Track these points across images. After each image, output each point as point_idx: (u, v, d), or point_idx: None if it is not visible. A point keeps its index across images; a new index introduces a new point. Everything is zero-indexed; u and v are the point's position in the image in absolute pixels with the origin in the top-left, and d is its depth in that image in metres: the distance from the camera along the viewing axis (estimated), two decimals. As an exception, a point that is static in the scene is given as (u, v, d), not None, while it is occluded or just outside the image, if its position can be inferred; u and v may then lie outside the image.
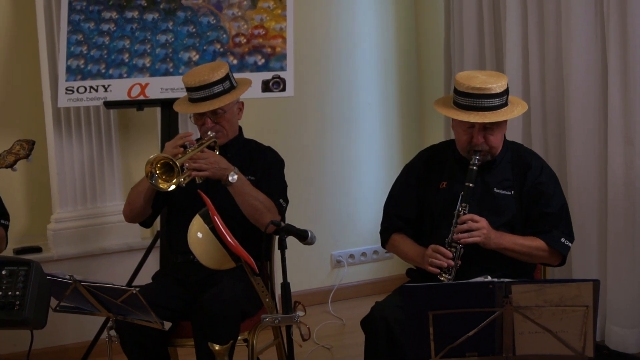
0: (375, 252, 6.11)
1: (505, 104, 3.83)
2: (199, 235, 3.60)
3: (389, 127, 6.29)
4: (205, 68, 4.30)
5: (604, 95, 4.88)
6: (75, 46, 5.08)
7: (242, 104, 4.35)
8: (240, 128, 4.35)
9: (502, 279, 3.17)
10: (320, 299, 6.01)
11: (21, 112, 5.45)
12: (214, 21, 5.07)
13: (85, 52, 5.07)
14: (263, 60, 4.99)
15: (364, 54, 6.19)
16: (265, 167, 4.24)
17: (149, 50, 5.05)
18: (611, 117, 4.80)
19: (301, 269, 5.35)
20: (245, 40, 5.03)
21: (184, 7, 5.09)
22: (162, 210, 4.41)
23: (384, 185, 4.16)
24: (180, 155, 3.99)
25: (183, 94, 4.31)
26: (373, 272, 6.22)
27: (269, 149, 4.35)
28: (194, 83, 4.17)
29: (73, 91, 5.04)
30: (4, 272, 3.27)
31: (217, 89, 4.17)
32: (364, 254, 6.20)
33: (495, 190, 3.90)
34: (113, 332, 3.79)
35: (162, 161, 3.95)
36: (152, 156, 3.97)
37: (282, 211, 4.16)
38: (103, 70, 5.05)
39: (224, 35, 5.04)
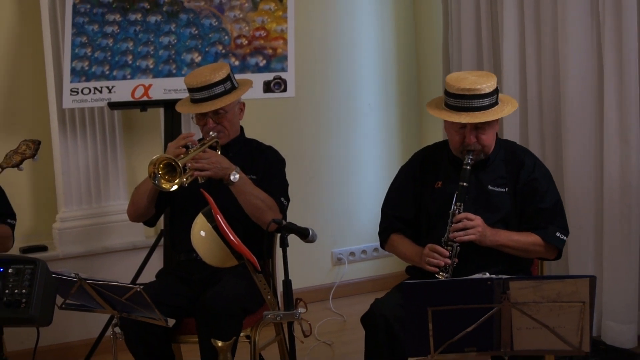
0: (376, 249, 6.11)
1: (495, 103, 3.85)
2: (202, 233, 3.61)
3: (389, 127, 6.30)
4: (207, 69, 4.30)
5: (600, 95, 4.89)
6: (79, 48, 5.08)
7: (243, 104, 4.35)
8: (241, 128, 4.35)
9: (500, 276, 3.17)
10: (321, 296, 6.02)
11: (27, 113, 5.45)
12: (216, 23, 5.07)
13: (89, 54, 5.07)
14: (264, 62, 4.99)
15: (363, 55, 6.20)
16: (266, 166, 4.24)
17: (152, 52, 5.05)
18: (607, 117, 4.81)
19: (302, 266, 5.35)
20: (246, 42, 5.02)
21: (187, 10, 5.09)
22: (166, 210, 4.41)
23: (383, 184, 4.16)
24: (182, 156, 4.00)
25: (186, 94, 4.30)
26: (373, 269, 6.22)
27: (270, 148, 4.35)
28: (196, 84, 4.17)
29: (78, 92, 5.03)
30: (10, 271, 3.27)
31: (219, 89, 4.17)
32: (364, 251, 6.21)
33: (490, 187, 3.91)
34: (118, 329, 3.81)
35: (164, 162, 3.96)
36: (154, 157, 3.97)
37: (283, 210, 4.16)
38: (107, 72, 5.04)
39: (226, 37, 5.04)
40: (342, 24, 6.13)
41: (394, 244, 4.04)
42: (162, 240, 4.85)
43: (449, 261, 3.73)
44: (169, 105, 4.92)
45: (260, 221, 4.01)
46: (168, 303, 3.96)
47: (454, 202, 3.79)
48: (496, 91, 3.84)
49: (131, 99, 5.01)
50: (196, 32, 5.06)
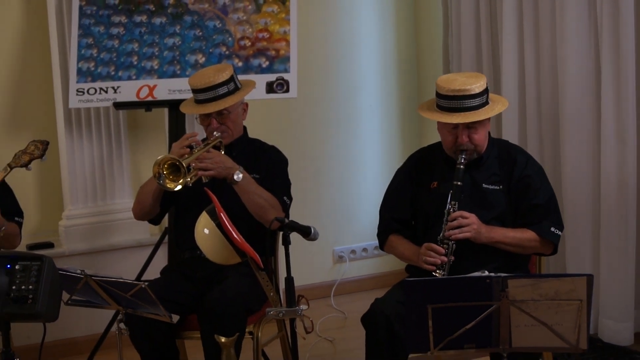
0: (376, 247, 6.02)
1: (486, 103, 3.87)
2: (206, 231, 3.61)
3: (389, 127, 6.30)
4: (211, 70, 4.31)
5: (597, 96, 4.89)
6: (85, 49, 5.08)
7: (247, 104, 4.35)
8: (244, 128, 4.35)
9: (499, 274, 3.18)
10: (323, 293, 6.02)
11: (34, 113, 5.45)
12: (220, 25, 5.07)
13: (95, 55, 5.07)
14: (267, 63, 4.99)
15: (365, 57, 6.20)
16: (269, 165, 4.24)
17: (157, 53, 5.05)
18: (604, 118, 4.82)
19: (304, 264, 5.35)
20: (250, 43, 5.03)
21: (191, 12, 5.09)
22: (170, 208, 4.42)
23: (384, 184, 4.17)
24: (186, 156, 4.00)
25: (190, 95, 4.31)
26: (374, 267, 6.23)
27: (273, 148, 4.35)
28: (200, 85, 4.18)
29: (84, 92, 5.04)
30: (17, 267, 3.28)
31: (222, 90, 4.18)
32: (365, 249, 6.22)
33: (484, 185, 3.92)
34: (123, 325, 3.80)
35: (169, 162, 3.96)
36: (159, 157, 3.98)
37: (286, 208, 4.16)
38: (112, 73, 5.05)
39: (230, 39, 5.04)
40: (344, 26, 6.14)
41: (393, 245, 4.05)
42: (167, 238, 4.86)
43: (445, 259, 3.74)
44: (173, 106, 4.91)
45: (263, 220, 4.01)
46: (172, 299, 3.96)
47: (448, 201, 3.80)
48: (486, 91, 3.87)
49: (136, 99, 5.01)
50: (200, 33, 5.06)
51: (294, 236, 3.57)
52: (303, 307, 3.50)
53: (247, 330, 4.00)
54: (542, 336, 3.18)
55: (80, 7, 5.11)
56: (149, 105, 5.07)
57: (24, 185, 4.73)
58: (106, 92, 5.03)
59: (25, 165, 4.21)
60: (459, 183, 3.81)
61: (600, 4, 4.76)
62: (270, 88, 4.96)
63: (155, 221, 4.39)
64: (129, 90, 5.01)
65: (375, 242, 4.17)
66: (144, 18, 5.11)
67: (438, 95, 3.87)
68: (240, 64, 4.97)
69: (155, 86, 5.01)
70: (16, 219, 4.25)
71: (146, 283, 3.64)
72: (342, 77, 6.16)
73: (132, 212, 4.37)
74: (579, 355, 4.70)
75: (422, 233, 3.99)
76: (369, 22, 6.20)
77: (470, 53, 5.65)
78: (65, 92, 5.20)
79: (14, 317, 3.28)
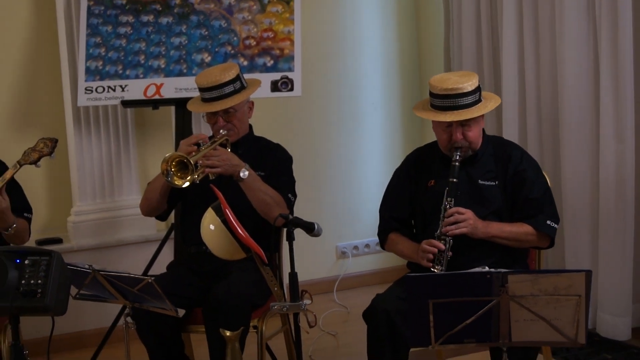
0: (378, 243, 6.10)
1: (478, 100, 3.87)
2: (212, 227, 3.62)
3: (392, 125, 6.31)
4: (217, 69, 4.30)
5: (596, 95, 4.90)
6: (93, 48, 5.09)
7: (252, 103, 4.35)
8: (250, 126, 4.35)
9: (499, 269, 3.18)
10: (326, 288, 6.03)
11: (43, 112, 5.47)
12: (225, 25, 5.07)
13: (103, 54, 5.08)
14: (272, 62, 5.00)
15: (368, 56, 6.21)
16: (274, 163, 4.25)
17: (163, 52, 5.06)
18: (603, 117, 4.82)
19: (308, 259, 5.36)
20: (255, 43, 5.03)
21: (197, 12, 5.10)
22: (177, 205, 4.42)
23: (386, 181, 4.17)
24: (194, 153, 4.01)
25: (196, 93, 4.31)
26: (376, 262, 6.24)
27: (278, 146, 4.36)
28: (206, 83, 4.18)
29: (92, 91, 5.05)
30: (26, 262, 3.27)
31: (228, 89, 4.18)
32: (367, 245, 6.23)
33: (480, 182, 3.93)
34: (130, 319, 3.80)
35: (177, 159, 3.97)
36: (167, 154, 3.98)
37: (290, 205, 4.16)
38: (120, 71, 5.06)
39: (235, 38, 5.05)
40: (347, 26, 6.15)
41: (393, 244, 4.07)
42: (173, 233, 4.86)
43: (441, 246, 3.75)
44: (180, 104, 4.93)
45: (268, 216, 4.01)
46: (178, 294, 3.97)
47: (444, 197, 3.82)
48: (478, 89, 3.88)
49: (143, 98, 5.02)
50: (206, 33, 5.07)
51: (298, 232, 3.59)
52: (307, 301, 3.51)
53: (251, 324, 4.00)
54: (541, 331, 3.18)
55: (89, 7, 5.13)
56: (156, 103, 5.08)
57: (34, 182, 4.74)
58: (114, 90, 5.04)
59: (35, 162, 4.19)
60: (454, 180, 3.82)
61: (599, 5, 4.76)
62: (275, 87, 4.97)
63: (162, 217, 4.39)
64: (136, 88, 5.02)
65: (377, 238, 4.18)
66: (150, 18, 5.12)
67: (431, 94, 3.89)
68: (245, 63, 4.97)
69: (162, 85, 5.02)
70: (25, 214, 4.25)
71: (153, 278, 3.64)
72: (345, 76, 6.17)
73: (139, 208, 4.37)
74: (577, 349, 4.72)
75: (420, 231, 4.00)
76: (371, 22, 6.21)
77: (471, 52, 5.65)
78: (74, 90, 5.21)
79: (23, 311, 3.27)
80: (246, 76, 4.35)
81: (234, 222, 3.54)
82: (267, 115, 5.30)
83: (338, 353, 5.05)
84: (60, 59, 5.35)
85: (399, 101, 6.31)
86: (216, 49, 5.04)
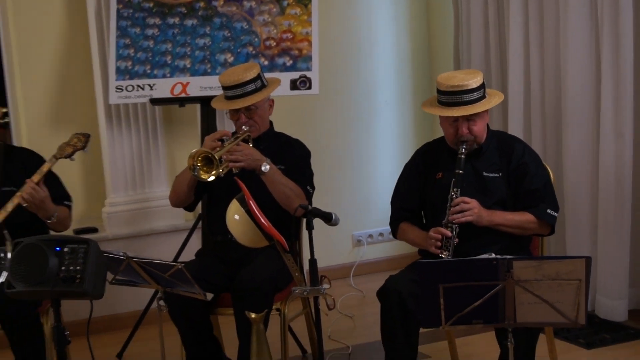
0: (391, 232, 6.11)
1: (483, 97, 3.89)
2: (236, 217, 3.64)
3: (404, 122, 6.30)
4: (239, 69, 4.32)
5: (597, 92, 4.89)
6: (123, 49, 5.10)
7: (273, 100, 4.37)
8: (271, 122, 4.36)
9: (504, 256, 3.20)
10: (343, 274, 6.05)
11: (77, 109, 5.49)
12: (247, 26, 5.07)
13: (132, 54, 5.09)
14: (291, 62, 5.01)
15: (381, 56, 6.20)
16: (294, 157, 4.26)
17: (189, 53, 5.07)
18: (603, 113, 4.81)
19: (326, 247, 5.35)
20: (275, 44, 5.04)
21: (220, 14, 5.10)
22: (204, 196, 4.44)
23: (398, 174, 4.18)
24: (218, 149, 4.01)
25: (220, 92, 4.32)
26: (389, 250, 6.24)
27: (297, 141, 4.37)
28: (229, 82, 4.19)
29: (122, 90, 5.07)
30: (66, 250, 3.26)
31: (250, 87, 4.18)
32: (381, 234, 6.24)
33: (485, 174, 3.94)
34: (162, 303, 3.83)
35: (202, 154, 3.98)
36: (193, 150, 4.00)
37: (309, 196, 4.18)
38: (148, 71, 5.07)
39: (256, 39, 5.05)
40: (362, 27, 6.14)
41: (404, 232, 4.09)
42: (200, 223, 4.85)
43: (448, 233, 3.77)
44: (204, 102, 4.93)
45: (289, 207, 4.04)
46: (206, 279, 3.98)
47: (451, 188, 3.83)
48: (482, 86, 3.89)
49: (170, 96, 5.04)
50: (229, 34, 5.07)
51: (317, 222, 3.60)
52: (325, 286, 3.53)
53: (274, 307, 4.04)
54: (544, 313, 3.20)
55: (118, 10, 5.14)
56: (182, 101, 5.09)
57: (70, 176, 4.76)
58: (143, 89, 5.07)
59: (69, 156, 4.22)
60: (460, 172, 3.84)
61: (601, 7, 4.76)
62: (294, 85, 4.98)
63: (190, 208, 4.41)
64: (163, 87, 5.04)
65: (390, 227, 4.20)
66: (176, 20, 5.13)
67: (439, 91, 3.91)
68: (266, 62, 4.98)
69: (188, 83, 5.03)
70: (65, 202, 4.27)
71: (182, 264, 3.66)
72: (360, 75, 6.16)
73: (168, 199, 4.40)
74: (577, 330, 4.73)
75: (429, 220, 4.03)
76: (384, 23, 6.20)
77: (479, 52, 5.64)
78: (105, 89, 5.24)
79: (63, 295, 3.28)
80: (267, 75, 4.36)
81: (257, 213, 3.58)
82: (287, 112, 5.29)
83: (354, 334, 5.06)
84: (92, 60, 5.37)
85: (410, 99, 6.30)
86: (238, 50, 5.05)
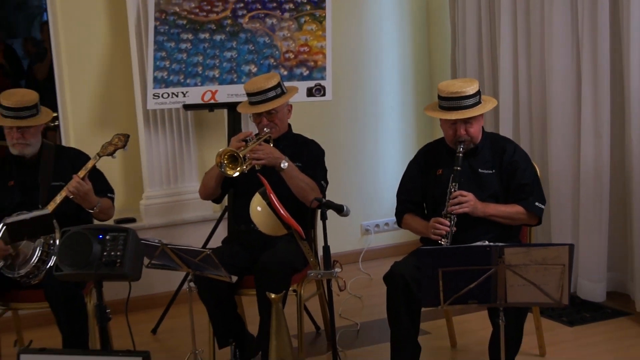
0: (396, 222, 6.08)
1: (479, 102, 3.88)
2: (259, 209, 3.64)
3: (406, 124, 6.27)
4: (262, 78, 4.31)
5: (578, 98, 4.87)
6: (160, 61, 5.10)
7: (291, 106, 4.36)
8: (289, 125, 4.35)
9: (497, 244, 3.20)
10: (353, 259, 6.01)
11: (118, 113, 5.49)
12: (269, 41, 5.07)
13: (167, 66, 5.09)
14: (307, 72, 4.99)
15: (387, 66, 6.18)
16: (309, 156, 4.25)
17: (217, 64, 5.06)
18: (584, 116, 4.79)
19: (338, 235, 5.27)
20: (293, 56, 5.03)
21: (245, 30, 5.10)
22: (229, 190, 4.44)
23: (402, 170, 4.16)
24: (242, 148, 4.02)
25: (245, 98, 4.31)
26: (394, 238, 6.20)
27: (312, 141, 4.36)
28: (253, 90, 4.19)
29: (159, 97, 5.07)
30: (107, 237, 3.28)
31: (271, 94, 4.18)
32: (387, 224, 6.20)
33: (480, 170, 3.94)
34: (192, 284, 3.84)
35: (228, 153, 3.99)
36: (221, 149, 4.01)
37: (323, 190, 4.17)
38: (182, 80, 5.06)
39: (277, 52, 5.04)
40: (370, 41, 6.11)
41: (407, 222, 4.07)
42: (226, 214, 4.87)
43: (448, 223, 3.76)
44: (231, 107, 4.93)
45: (305, 200, 4.02)
46: (232, 263, 3.97)
47: (450, 183, 3.83)
48: (478, 92, 3.89)
49: (201, 102, 5.03)
50: (253, 48, 5.07)
51: (330, 213, 3.60)
52: (337, 270, 3.52)
53: (291, 288, 4.02)
54: (531, 294, 3.19)
55: (155, 27, 5.14)
56: (211, 106, 5.09)
57: (111, 172, 4.75)
58: (177, 96, 5.06)
59: (111, 154, 4.19)
60: (458, 168, 3.84)
61: (582, 23, 4.73)
62: (310, 92, 4.97)
63: (217, 201, 4.41)
64: (195, 94, 5.03)
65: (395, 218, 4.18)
66: (206, 35, 5.12)
67: (440, 97, 3.90)
68: (285, 72, 4.97)
69: (216, 91, 5.02)
70: (109, 195, 4.26)
71: (211, 250, 3.67)
72: (368, 83, 6.14)
73: (198, 193, 4.39)
74: (561, 309, 4.72)
75: (430, 211, 4.01)
76: (390, 38, 6.17)
77: (473, 63, 5.63)
78: (144, 96, 5.24)
79: (105, 277, 3.30)
80: (286, 84, 4.36)
81: (277, 205, 3.57)
82: (304, 116, 5.27)
83: (362, 312, 5.05)
84: (132, 70, 5.38)
85: (413, 104, 6.27)
86: (261, 61, 5.04)
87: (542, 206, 3.90)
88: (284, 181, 4.06)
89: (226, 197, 4.51)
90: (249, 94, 4.22)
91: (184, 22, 5.15)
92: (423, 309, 3.79)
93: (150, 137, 5.38)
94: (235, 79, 5.02)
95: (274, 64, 5.02)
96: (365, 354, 4.41)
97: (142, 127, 5.37)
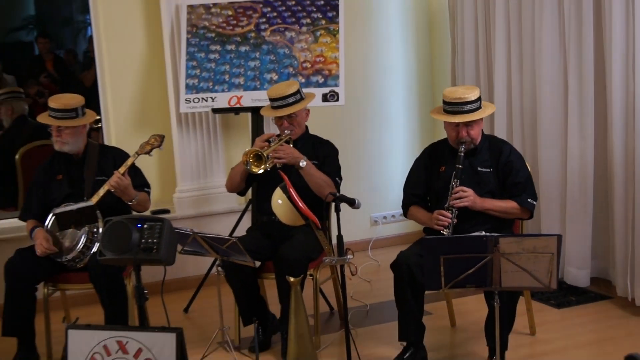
0: (402, 214, 6.05)
1: (479, 107, 3.88)
2: (279, 202, 3.66)
3: (411, 126, 6.24)
4: (283, 85, 4.32)
5: (565, 103, 4.84)
6: (191, 70, 5.10)
7: (308, 110, 4.35)
8: (306, 127, 4.35)
9: (492, 234, 3.20)
10: (363, 247, 5.99)
11: (154, 116, 5.48)
12: (288, 52, 5.07)
13: (198, 74, 5.09)
14: (322, 79, 4.98)
15: (394, 74, 6.15)
16: (325, 155, 4.25)
17: (242, 73, 5.06)
18: (570, 121, 4.77)
19: (350, 225, 5.27)
20: (310, 65, 5.02)
21: (267, 42, 5.10)
22: (253, 185, 4.44)
23: (408, 167, 4.16)
24: (265, 148, 4.03)
25: (267, 103, 4.31)
26: (400, 228, 6.18)
27: (327, 141, 4.35)
28: (275, 95, 4.19)
29: (190, 101, 5.07)
30: (145, 226, 3.28)
31: (291, 99, 4.19)
32: (393, 215, 6.17)
33: (479, 169, 3.93)
34: (220, 269, 3.86)
35: (254, 152, 4.00)
36: (246, 149, 4.03)
37: (337, 186, 4.17)
38: (210, 87, 5.06)
39: (295, 62, 5.04)
40: (378, 52, 6.09)
41: (413, 213, 4.07)
42: (250, 206, 4.86)
43: (449, 220, 3.75)
44: (255, 111, 4.93)
45: (321, 194, 4.01)
46: (255, 250, 3.98)
47: (452, 179, 3.82)
48: (479, 99, 3.88)
49: (228, 106, 5.03)
50: (274, 58, 5.07)
51: (343, 205, 3.60)
52: (349, 256, 3.53)
53: (308, 273, 4.03)
54: (523, 279, 3.19)
55: (187, 40, 5.15)
56: (237, 110, 5.09)
57: (147, 168, 4.75)
58: (206, 101, 5.05)
59: (148, 152, 4.22)
60: (459, 166, 3.83)
61: (568, 37, 4.71)
62: (324, 98, 4.96)
63: (242, 194, 4.41)
64: (222, 99, 5.03)
65: (402, 210, 4.17)
66: (233, 47, 5.12)
67: (444, 102, 3.89)
68: (303, 80, 4.96)
69: (241, 97, 5.02)
70: (145, 189, 4.27)
71: (237, 238, 3.69)
72: (377, 90, 6.11)
73: (225, 187, 4.40)
74: (550, 293, 4.70)
75: (434, 204, 4.00)
76: (396, 49, 6.15)
77: (471, 72, 5.60)
78: (177, 100, 5.24)
79: (143, 262, 3.31)
80: (303, 90, 4.35)
81: (296, 198, 3.58)
82: (320, 119, 5.26)
83: (372, 295, 5.03)
84: (167, 78, 5.37)
85: (416, 108, 6.25)
86: (281, 70, 5.04)
87: (534, 202, 3.89)
88: (302, 178, 4.06)
89: (250, 191, 4.51)
90: (271, 99, 4.22)
91: (213, 35, 5.15)
92: (426, 292, 3.79)
93: (183, 137, 5.38)
94: (258, 86, 5.01)
95: (293, 72, 5.02)
96: (373, 331, 4.40)
97: (175, 129, 5.37)
